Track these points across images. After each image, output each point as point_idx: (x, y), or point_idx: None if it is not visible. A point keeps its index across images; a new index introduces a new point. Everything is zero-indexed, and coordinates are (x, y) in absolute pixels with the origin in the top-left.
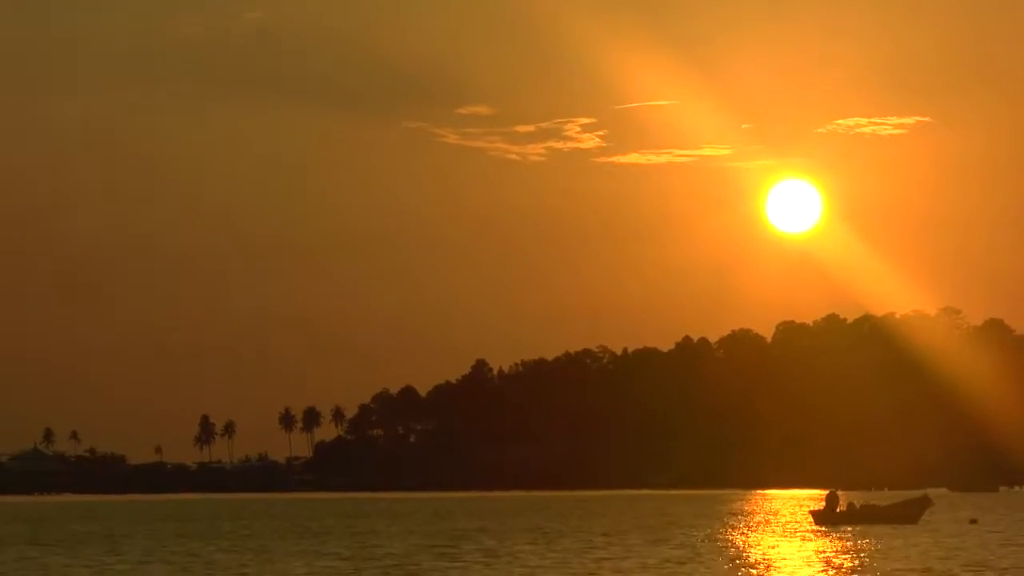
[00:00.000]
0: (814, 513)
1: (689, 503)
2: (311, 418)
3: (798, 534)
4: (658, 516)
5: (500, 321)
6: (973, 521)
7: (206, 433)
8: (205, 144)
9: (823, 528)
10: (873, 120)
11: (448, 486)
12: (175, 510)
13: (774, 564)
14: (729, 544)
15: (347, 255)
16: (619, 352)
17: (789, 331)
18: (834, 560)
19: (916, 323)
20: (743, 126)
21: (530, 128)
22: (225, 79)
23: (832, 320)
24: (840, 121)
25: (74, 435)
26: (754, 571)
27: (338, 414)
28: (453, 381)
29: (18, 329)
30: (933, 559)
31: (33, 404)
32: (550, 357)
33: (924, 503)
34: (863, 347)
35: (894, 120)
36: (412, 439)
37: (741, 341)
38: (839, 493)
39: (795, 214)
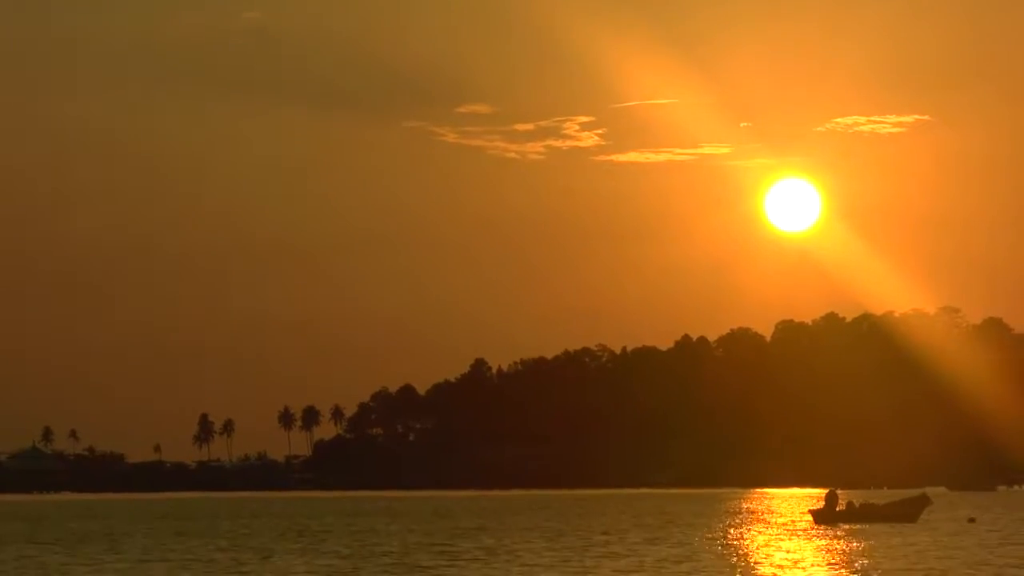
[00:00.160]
0: (813, 512)
1: (688, 502)
2: (310, 417)
3: (797, 533)
4: (657, 515)
5: (499, 320)
6: (972, 520)
7: (205, 432)
8: (205, 144)
9: (822, 527)
10: (872, 119)
11: (447, 485)
12: (174, 509)
13: (773, 563)
14: (728, 543)
15: (347, 255)
16: (618, 351)
17: (788, 330)
18: (833, 559)
19: (915, 322)
20: (742, 125)
21: (529, 127)
22: (225, 79)
23: (831, 319)
24: (839, 120)
25: (73, 434)
26: (753, 570)
27: (337, 413)
28: (452, 380)
29: (18, 329)
30: (932, 558)
31: (32, 403)
32: (549, 356)
33: (923, 502)
34: (862, 346)
35: (893, 119)
36: (411, 438)
37: (740, 340)
38: (838, 492)
39: (794, 213)
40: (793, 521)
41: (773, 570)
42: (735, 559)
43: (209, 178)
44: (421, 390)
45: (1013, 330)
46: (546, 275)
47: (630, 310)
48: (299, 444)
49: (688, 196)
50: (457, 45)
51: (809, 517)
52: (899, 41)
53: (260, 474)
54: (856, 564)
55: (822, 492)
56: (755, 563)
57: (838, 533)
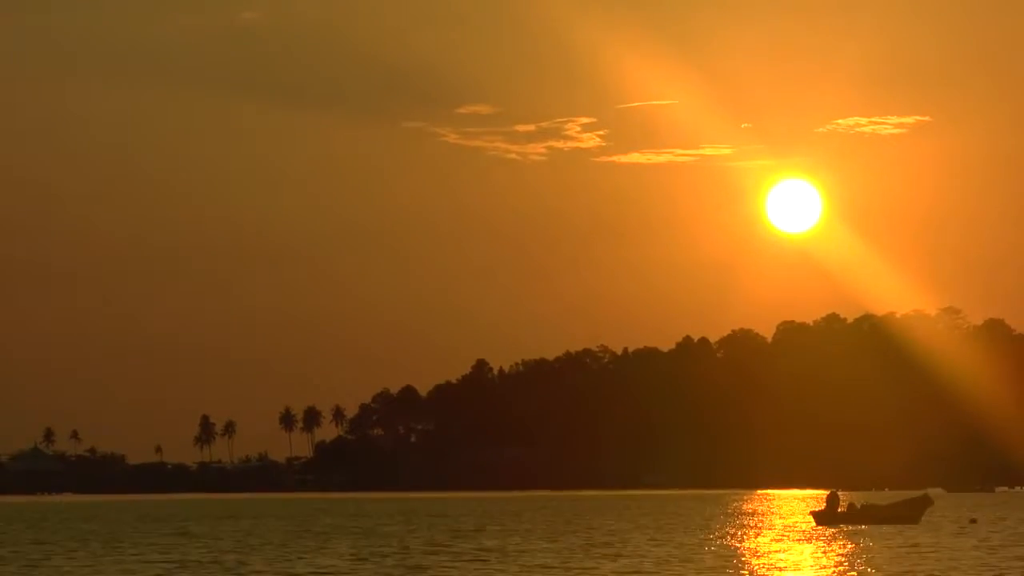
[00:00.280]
0: (815, 513)
1: (690, 503)
2: (311, 418)
3: (799, 534)
4: (658, 515)
5: (501, 321)
6: (973, 521)
7: (206, 433)
8: (205, 144)
9: (824, 528)
10: (873, 119)
11: (448, 486)
12: (175, 510)
13: (775, 564)
14: (729, 544)
15: (347, 255)
16: (619, 352)
17: (789, 331)
18: (835, 560)
19: (916, 323)
20: (743, 126)
21: (530, 127)
22: (225, 79)
23: (832, 320)
24: (840, 120)
25: (74, 435)
26: (755, 572)
27: (338, 414)
28: (453, 381)
29: (18, 329)
30: (932, 559)
31: (33, 404)
32: (550, 357)
33: (925, 503)
34: (863, 347)
35: (894, 119)
36: (412, 439)
37: (741, 341)
38: (840, 493)
39: (795, 214)
40: (795, 522)
41: (775, 572)
42: (736, 560)
43: (209, 178)
44: (422, 391)
45: (1014, 331)
46: (548, 276)
47: (631, 311)
48: (300, 445)
49: (689, 197)
50: (458, 45)
51: (811, 518)
52: (899, 41)
53: (261, 475)
54: (858, 565)
55: (823, 493)
56: (756, 565)
57: (840, 534)
